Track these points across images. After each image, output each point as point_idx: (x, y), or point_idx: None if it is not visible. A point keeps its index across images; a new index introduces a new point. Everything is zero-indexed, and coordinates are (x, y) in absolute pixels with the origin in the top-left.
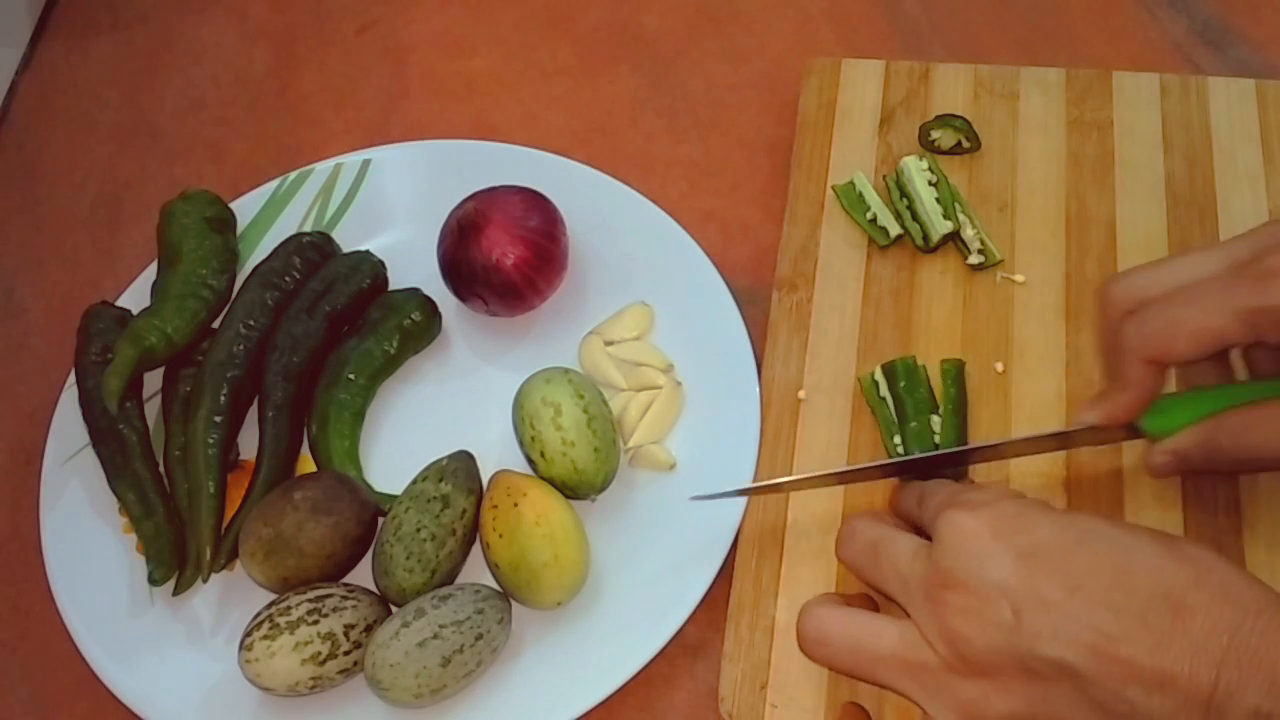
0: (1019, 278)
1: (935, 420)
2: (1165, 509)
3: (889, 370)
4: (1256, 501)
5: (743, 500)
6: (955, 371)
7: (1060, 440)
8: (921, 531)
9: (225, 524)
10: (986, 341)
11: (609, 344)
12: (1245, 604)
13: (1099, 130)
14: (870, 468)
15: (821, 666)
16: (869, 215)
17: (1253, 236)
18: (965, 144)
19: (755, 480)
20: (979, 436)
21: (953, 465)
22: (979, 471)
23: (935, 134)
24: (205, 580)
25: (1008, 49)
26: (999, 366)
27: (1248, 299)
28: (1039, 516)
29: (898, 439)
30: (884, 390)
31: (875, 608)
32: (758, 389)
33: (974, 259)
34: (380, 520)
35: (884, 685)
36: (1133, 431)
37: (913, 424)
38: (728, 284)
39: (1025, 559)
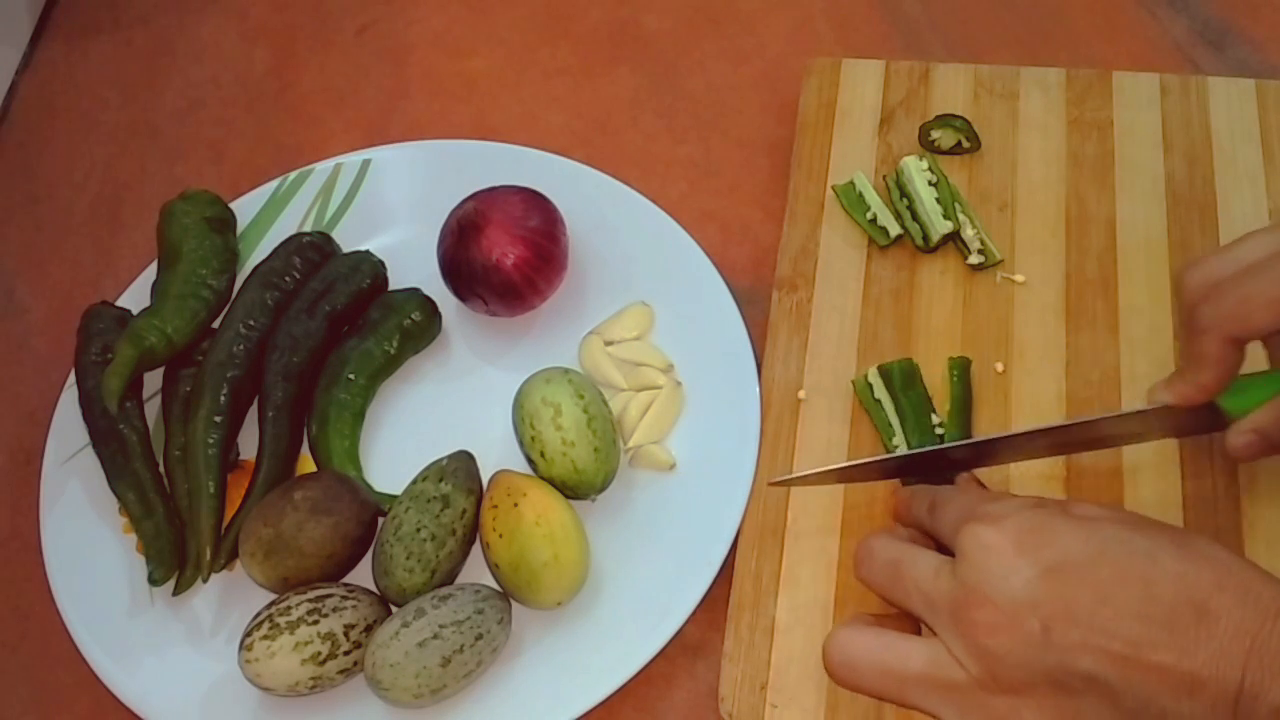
0: (1019, 278)
1: (934, 419)
2: (1165, 508)
3: (885, 373)
4: (1257, 500)
5: (743, 500)
6: (961, 369)
7: (1137, 422)
8: (930, 536)
9: (225, 524)
10: (986, 341)
11: (609, 344)
12: (1265, 604)
13: (1099, 130)
14: (925, 452)
15: (852, 691)
16: (869, 215)
17: None
18: (965, 144)
19: (756, 482)
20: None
21: (958, 469)
22: (985, 470)
23: (935, 134)
24: (205, 580)
25: (1008, 49)
26: (999, 367)
27: None
28: (1061, 527)
29: (898, 440)
30: (879, 392)
31: (915, 626)
32: (758, 389)
33: (974, 259)
34: (380, 520)
35: (914, 706)
36: (1213, 418)
37: (912, 425)
38: (728, 284)
39: (1051, 573)
